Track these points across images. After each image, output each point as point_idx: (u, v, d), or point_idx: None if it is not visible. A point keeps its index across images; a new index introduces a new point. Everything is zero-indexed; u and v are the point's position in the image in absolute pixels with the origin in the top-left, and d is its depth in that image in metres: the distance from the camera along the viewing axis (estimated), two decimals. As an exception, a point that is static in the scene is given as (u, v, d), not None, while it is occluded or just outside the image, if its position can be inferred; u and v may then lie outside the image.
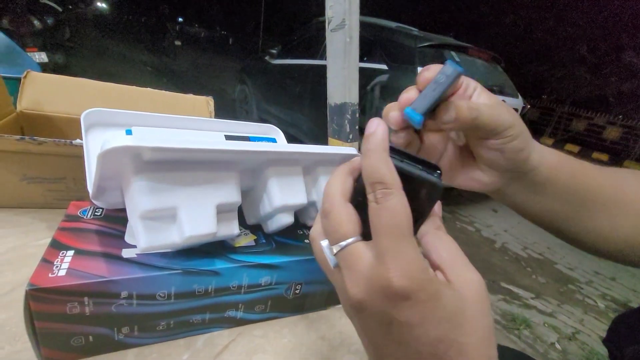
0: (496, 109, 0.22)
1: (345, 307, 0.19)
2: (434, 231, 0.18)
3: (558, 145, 7.49)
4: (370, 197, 0.16)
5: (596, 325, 1.65)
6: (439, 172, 0.18)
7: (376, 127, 0.17)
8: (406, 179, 0.17)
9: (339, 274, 0.18)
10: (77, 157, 0.36)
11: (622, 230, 0.28)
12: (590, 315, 1.72)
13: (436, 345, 0.15)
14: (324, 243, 0.18)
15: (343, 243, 0.17)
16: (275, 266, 0.31)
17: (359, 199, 0.18)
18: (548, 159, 0.26)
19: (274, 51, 3.39)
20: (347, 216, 0.18)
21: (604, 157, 6.97)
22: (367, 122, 0.18)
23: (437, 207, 0.19)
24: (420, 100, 0.21)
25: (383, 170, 0.16)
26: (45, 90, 0.53)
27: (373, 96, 2.20)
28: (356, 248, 0.17)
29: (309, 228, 0.38)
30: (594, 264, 2.26)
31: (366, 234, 0.17)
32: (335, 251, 0.17)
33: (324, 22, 1.10)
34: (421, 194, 0.17)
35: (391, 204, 0.15)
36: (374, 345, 0.17)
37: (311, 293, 0.35)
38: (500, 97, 2.40)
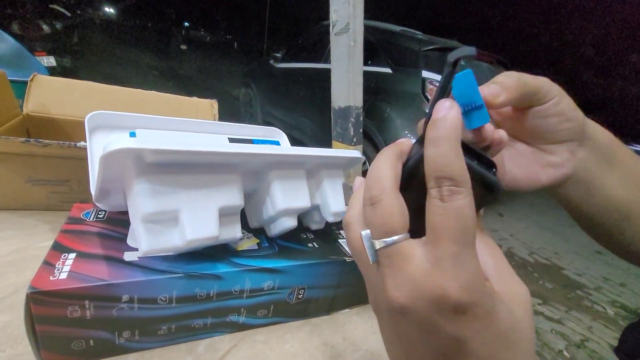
0: (527, 75, 0.22)
1: (378, 307, 0.17)
2: (479, 233, 0.16)
3: (564, 149, 7.38)
4: (433, 192, 0.14)
5: (605, 332, 1.61)
6: (494, 169, 0.16)
7: (448, 111, 0.14)
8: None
9: (377, 270, 0.16)
10: (81, 159, 0.36)
11: None
12: (599, 323, 1.68)
13: None
14: (365, 234, 0.16)
15: (389, 240, 0.15)
16: (278, 270, 0.30)
17: (409, 189, 0.16)
18: (602, 132, 0.25)
19: (278, 55, 3.41)
20: (399, 208, 0.15)
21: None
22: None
23: None
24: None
25: (455, 164, 0.14)
26: (51, 93, 0.54)
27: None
28: (406, 247, 0.14)
29: (312, 231, 0.37)
30: (602, 270, 2.22)
31: (413, 231, 0.15)
32: (378, 246, 0.15)
33: (328, 25, 1.11)
34: (478, 193, 0.15)
35: (460, 205, 0.13)
36: (408, 352, 0.16)
37: (314, 298, 0.34)
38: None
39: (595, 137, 0.25)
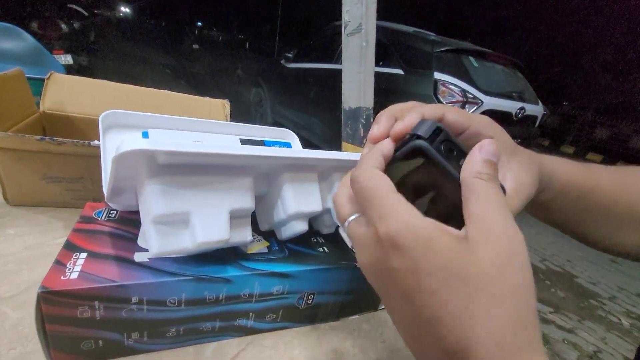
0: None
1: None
2: (476, 180, 0.17)
3: (579, 153, 7.23)
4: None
5: (620, 344, 1.56)
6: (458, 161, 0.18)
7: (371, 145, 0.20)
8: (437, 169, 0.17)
9: (354, 250, 0.20)
10: (95, 157, 0.36)
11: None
12: (613, 334, 1.63)
13: (431, 297, 0.14)
14: (340, 228, 0.22)
15: (347, 220, 0.19)
16: (288, 275, 0.30)
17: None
18: (555, 182, 0.25)
19: (289, 55, 3.41)
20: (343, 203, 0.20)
21: (629, 167, 6.66)
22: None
23: (491, 145, 0.18)
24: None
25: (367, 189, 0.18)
26: (67, 92, 0.55)
27: None
28: (354, 224, 0.19)
29: (322, 236, 0.37)
30: (617, 279, 2.15)
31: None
32: (345, 227, 0.19)
33: (340, 26, 1.10)
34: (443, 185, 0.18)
35: (360, 176, 0.18)
36: (386, 305, 0.18)
37: (324, 303, 0.34)
38: (520, 104, 2.33)
39: (548, 174, 0.25)
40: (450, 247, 0.15)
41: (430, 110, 0.21)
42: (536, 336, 0.14)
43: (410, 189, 0.18)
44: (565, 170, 0.26)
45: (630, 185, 0.28)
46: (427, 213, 0.16)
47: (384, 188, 0.17)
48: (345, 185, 0.20)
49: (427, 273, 0.14)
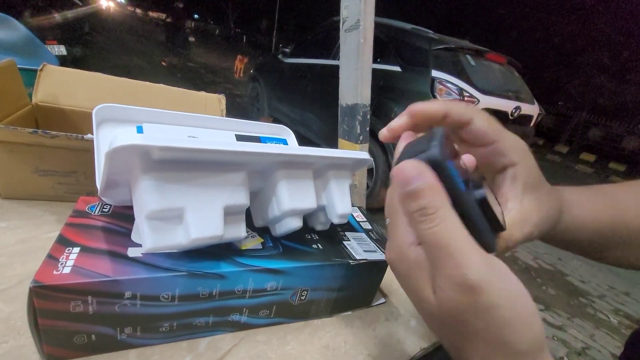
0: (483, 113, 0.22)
1: None
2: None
3: (573, 153, 7.31)
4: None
5: (608, 341, 1.60)
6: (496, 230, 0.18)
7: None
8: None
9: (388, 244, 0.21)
10: (89, 151, 0.36)
11: None
12: (601, 331, 1.66)
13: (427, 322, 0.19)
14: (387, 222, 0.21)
15: (387, 220, 0.20)
16: (282, 271, 0.30)
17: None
18: (576, 218, 0.25)
19: (287, 50, 3.39)
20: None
21: (621, 167, 6.77)
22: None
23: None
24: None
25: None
26: (60, 84, 0.54)
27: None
28: (395, 222, 0.19)
29: (317, 233, 0.37)
30: (607, 278, 2.19)
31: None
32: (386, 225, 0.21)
33: (338, 22, 1.09)
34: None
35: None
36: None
37: (317, 300, 0.34)
38: (516, 103, 2.35)
39: (570, 218, 0.24)
40: (420, 284, 0.17)
41: (458, 111, 0.20)
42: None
43: None
44: (587, 204, 0.25)
45: None
46: None
47: (395, 204, 0.18)
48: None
49: (413, 297, 0.18)
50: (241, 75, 7.07)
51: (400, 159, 0.18)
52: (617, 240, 0.26)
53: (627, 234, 0.26)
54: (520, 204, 0.21)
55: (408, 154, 0.18)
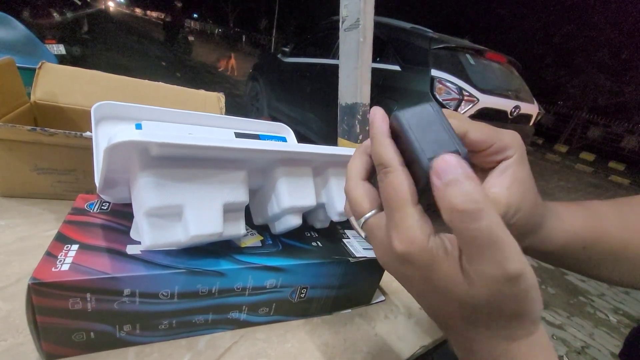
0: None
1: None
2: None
3: (573, 152, 7.32)
4: (378, 176, 0.19)
5: (607, 340, 1.60)
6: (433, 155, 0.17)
7: (374, 115, 0.19)
8: (410, 153, 0.17)
9: (369, 241, 0.21)
10: (88, 149, 0.36)
11: None
12: (601, 330, 1.67)
13: (438, 310, 0.18)
14: (352, 218, 0.21)
15: (362, 220, 0.20)
16: (281, 269, 0.30)
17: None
18: (559, 233, 0.24)
19: (286, 49, 3.39)
20: (361, 195, 0.20)
21: (621, 166, 6.79)
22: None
23: None
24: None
25: (382, 153, 0.18)
26: (59, 82, 0.54)
27: None
28: (374, 221, 0.19)
29: (316, 230, 0.37)
30: (606, 277, 2.19)
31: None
32: (358, 226, 0.21)
33: (337, 21, 1.09)
34: (416, 169, 0.18)
35: (390, 180, 0.18)
36: (410, 292, 0.20)
37: (316, 297, 0.34)
38: (515, 102, 2.35)
39: (550, 227, 0.24)
40: (443, 277, 0.17)
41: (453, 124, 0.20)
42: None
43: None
44: (569, 220, 0.25)
45: (637, 224, 0.27)
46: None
47: (406, 197, 0.17)
48: (358, 178, 0.21)
49: (424, 290, 0.18)
50: (235, 73, 7.06)
51: (422, 148, 0.17)
52: (602, 256, 0.26)
53: (609, 248, 0.26)
54: (508, 191, 0.21)
55: (427, 142, 0.17)
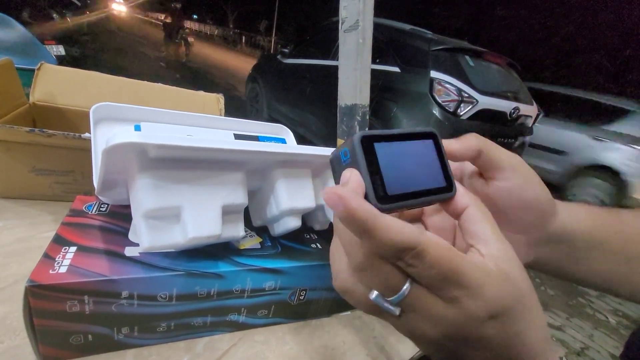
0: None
1: (419, 340, 0.18)
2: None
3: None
4: (402, 263, 0.15)
5: (606, 341, 1.60)
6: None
7: (348, 196, 0.15)
8: None
9: (404, 315, 0.17)
10: (86, 150, 0.36)
11: None
12: (600, 331, 1.67)
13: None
14: (376, 296, 0.16)
15: (401, 293, 0.16)
16: (280, 271, 0.30)
17: None
18: (583, 221, 0.24)
19: (286, 50, 3.39)
20: (386, 272, 0.16)
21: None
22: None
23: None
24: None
25: (395, 238, 0.14)
26: (58, 83, 0.54)
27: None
28: (416, 292, 0.16)
29: (315, 232, 0.37)
30: (606, 278, 2.19)
31: None
32: (396, 301, 0.16)
33: (337, 22, 1.09)
34: None
35: (431, 257, 0.15)
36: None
37: (315, 300, 0.34)
38: (515, 104, 2.35)
39: (565, 231, 0.24)
40: (521, 319, 0.17)
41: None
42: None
43: None
44: (586, 216, 0.24)
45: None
46: None
47: (458, 259, 0.15)
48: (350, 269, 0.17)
49: (502, 339, 0.16)
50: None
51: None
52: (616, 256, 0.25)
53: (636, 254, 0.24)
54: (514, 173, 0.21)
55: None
